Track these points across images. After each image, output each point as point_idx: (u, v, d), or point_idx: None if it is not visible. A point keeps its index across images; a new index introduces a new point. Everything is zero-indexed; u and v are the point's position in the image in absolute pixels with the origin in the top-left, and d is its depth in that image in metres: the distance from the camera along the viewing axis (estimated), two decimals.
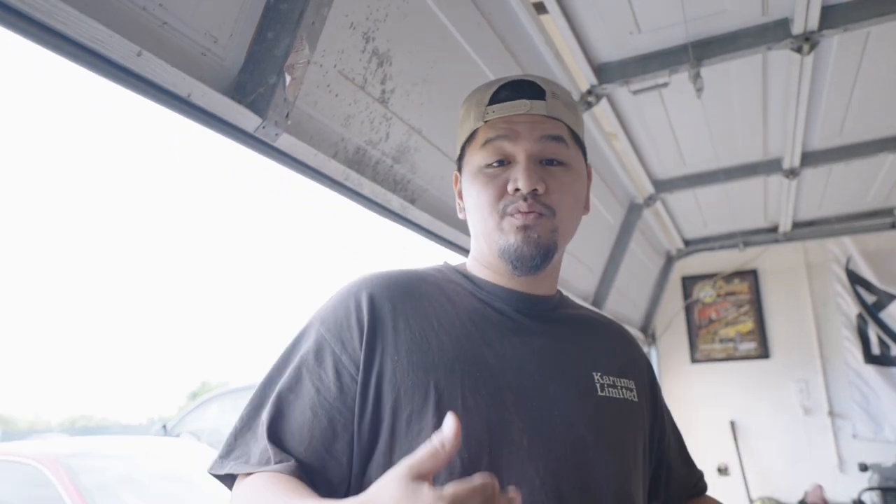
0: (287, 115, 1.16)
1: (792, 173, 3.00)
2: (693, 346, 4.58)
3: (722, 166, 3.05)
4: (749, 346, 4.45)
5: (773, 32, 1.98)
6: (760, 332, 4.43)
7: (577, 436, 0.87)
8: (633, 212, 3.28)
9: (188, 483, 4.38)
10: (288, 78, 1.12)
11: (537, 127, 0.92)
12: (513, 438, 0.83)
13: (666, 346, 4.63)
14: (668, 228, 3.89)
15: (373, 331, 0.86)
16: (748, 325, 4.48)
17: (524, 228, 0.90)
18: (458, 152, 1.01)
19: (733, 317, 4.52)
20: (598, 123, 2.46)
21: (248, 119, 1.11)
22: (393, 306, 0.89)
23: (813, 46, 2.00)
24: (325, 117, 1.32)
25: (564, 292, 1.10)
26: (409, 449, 0.78)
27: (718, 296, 4.57)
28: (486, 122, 0.94)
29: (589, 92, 2.20)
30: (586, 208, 1.02)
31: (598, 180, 2.80)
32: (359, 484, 0.84)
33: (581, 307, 1.09)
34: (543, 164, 0.92)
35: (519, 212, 0.90)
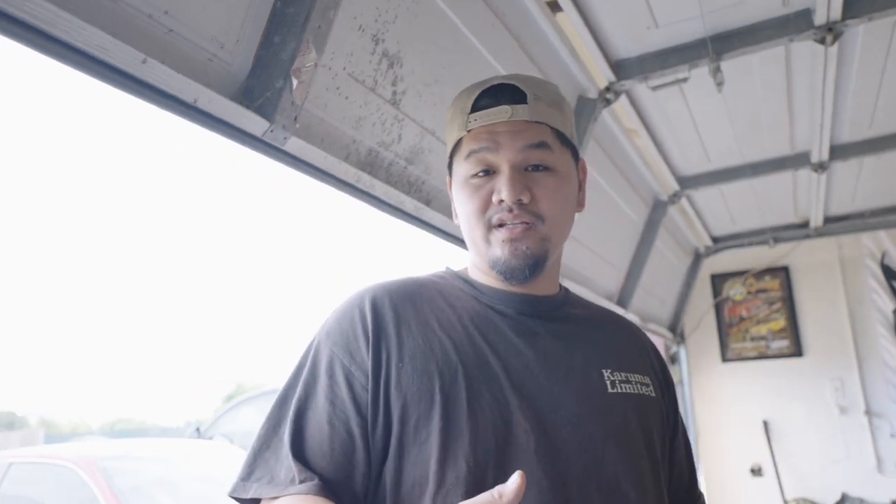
0: (295, 119, 1.17)
1: (821, 167, 2.94)
2: (724, 345, 4.51)
3: (748, 161, 3.00)
4: (782, 344, 4.37)
5: (794, 24, 1.94)
6: (793, 330, 4.34)
7: (585, 434, 0.86)
8: (658, 209, 3.24)
9: (220, 484, 4.43)
10: (295, 82, 1.13)
11: (519, 135, 0.91)
12: (519, 441, 0.82)
13: (696, 346, 4.56)
14: (694, 225, 3.84)
15: (377, 339, 0.87)
16: (780, 322, 4.39)
17: (511, 241, 0.90)
18: (447, 159, 1.01)
19: (765, 314, 4.43)
20: (617, 120, 2.44)
21: (255, 123, 1.12)
22: (395, 314, 0.90)
23: (837, 37, 1.95)
24: (336, 120, 1.32)
25: (586, 291, 1.10)
26: (418, 454, 0.82)
27: (749, 293, 4.49)
28: (468, 131, 0.93)
29: (607, 89, 2.18)
30: (581, 205, 1.02)
31: (620, 178, 2.77)
32: (374, 490, 0.85)
33: (589, 305, 1.09)
34: (529, 170, 0.91)
35: (504, 223, 0.90)
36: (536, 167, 0.91)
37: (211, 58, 1.07)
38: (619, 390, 0.93)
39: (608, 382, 0.92)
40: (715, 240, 4.27)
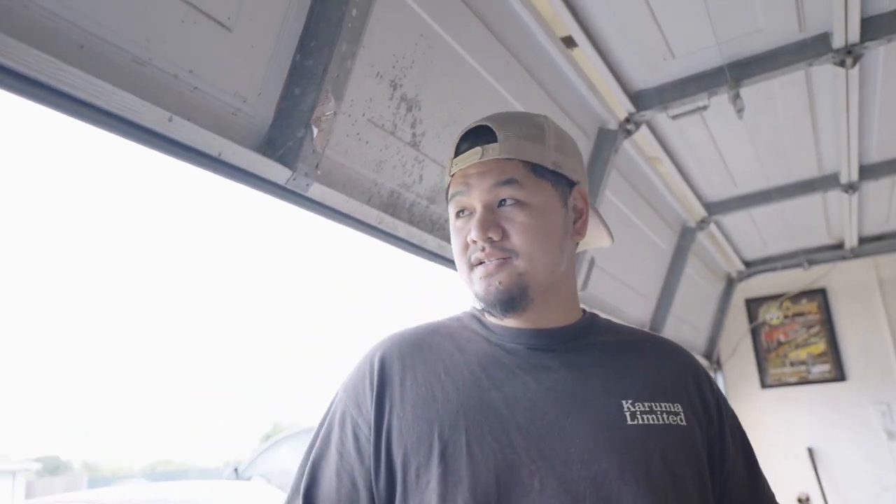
0: (317, 166, 1.20)
1: (851, 188, 2.90)
2: (762, 371, 4.41)
3: (775, 185, 2.98)
4: (823, 368, 4.26)
5: (812, 48, 1.94)
6: (834, 354, 4.24)
7: (598, 471, 0.84)
8: (686, 236, 3.22)
9: None
10: (315, 130, 1.17)
11: (487, 175, 0.93)
12: (523, 481, 0.83)
13: (733, 372, 4.47)
14: (725, 251, 3.80)
15: (381, 391, 0.92)
16: (820, 346, 4.29)
17: (486, 278, 0.92)
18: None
19: (803, 338, 4.34)
20: (639, 150, 2.45)
21: (278, 172, 1.15)
22: (402, 364, 0.94)
23: (857, 59, 1.95)
24: (357, 164, 1.36)
25: (610, 318, 1.08)
26: (420, 502, 0.84)
27: (786, 317, 4.40)
28: (451, 176, 0.98)
29: (627, 120, 2.20)
30: (578, 234, 1.00)
31: (645, 206, 2.77)
32: None
33: (622, 330, 1.06)
34: (504, 205, 0.93)
35: (481, 261, 0.93)
36: (509, 203, 0.93)
37: (235, 112, 1.11)
38: (641, 422, 0.89)
39: (627, 414, 0.90)
40: (747, 264, 4.22)
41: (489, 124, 0.96)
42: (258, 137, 1.15)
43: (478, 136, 0.96)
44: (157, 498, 4.62)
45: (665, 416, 0.91)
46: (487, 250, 0.92)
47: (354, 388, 0.94)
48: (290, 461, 6.72)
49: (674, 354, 1.03)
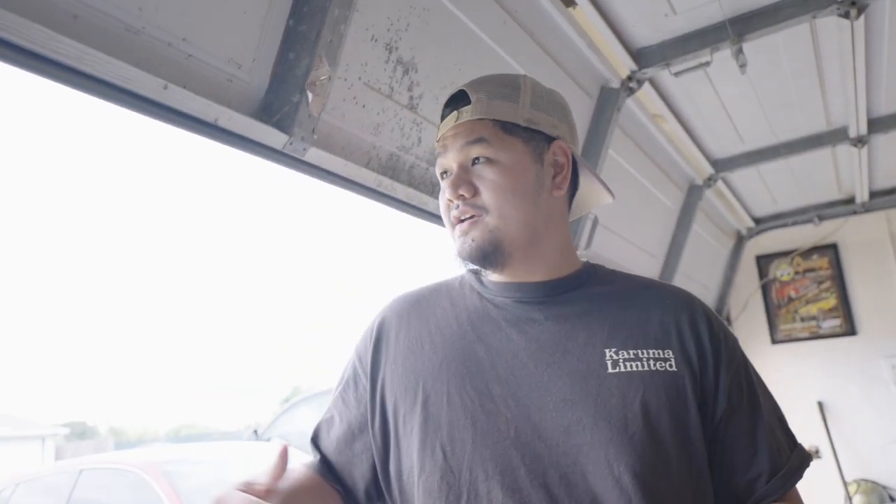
0: (313, 130, 1.22)
1: (860, 141, 2.88)
2: (773, 327, 4.43)
3: (783, 140, 2.96)
4: (833, 323, 4.27)
5: (816, 0, 1.92)
6: (845, 309, 4.24)
7: (572, 419, 0.87)
8: (694, 193, 3.21)
9: None
10: (310, 95, 1.19)
11: (460, 136, 0.98)
12: (499, 428, 0.88)
13: (743, 328, 4.49)
14: (734, 208, 3.79)
15: (377, 345, 1.03)
16: (830, 301, 4.29)
17: (462, 235, 0.97)
18: None
19: (814, 294, 4.34)
20: (643, 108, 2.44)
21: (275, 137, 1.18)
22: (399, 321, 1.03)
23: (861, 10, 1.92)
24: (354, 128, 1.38)
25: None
26: (407, 446, 0.93)
27: (797, 273, 4.40)
28: (437, 141, 1.03)
29: (629, 78, 2.19)
30: (559, 188, 1.01)
31: (650, 165, 2.77)
32: (386, 480, 0.98)
33: (624, 278, 1.05)
34: (477, 165, 0.97)
35: (459, 219, 0.97)
36: (480, 161, 0.97)
37: (230, 78, 1.13)
38: (623, 369, 0.91)
39: (609, 362, 0.91)
40: (757, 221, 4.20)
41: (465, 88, 1.01)
42: (254, 103, 1.17)
43: (457, 101, 1.01)
44: (181, 458, 4.77)
45: (652, 362, 0.92)
46: (461, 207, 0.96)
47: (360, 343, 1.06)
48: (308, 422, 6.86)
49: (670, 300, 1.00)
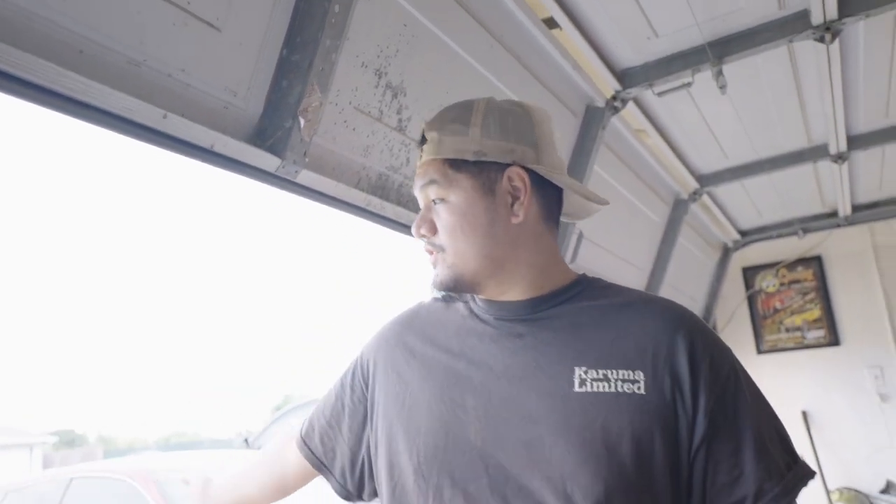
0: (305, 154, 1.28)
1: (840, 158, 2.95)
2: (758, 337, 4.50)
3: (765, 156, 3.03)
4: (818, 333, 4.35)
5: (792, 25, 1.99)
6: (829, 319, 4.32)
7: (534, 435, 0.89)
8: (679, 207, 3.28)
9: None
10: (302, 121, 1.24)
11: (419, 178, 1.04)
12: (469, 439, 0.94)
13: (729, 339, 4.53)
14: (720, 221, 3.86)
15: (374, 355, 1.13)
16: (815, 312, 4.37)
17: (432, 266, 1.03)
18: None
19: (799, 305, 4.42)
20: (628, 126, 2.50)
21: (268, 160, 1.23)
22: (401, 336, 1.11)
23: (836, 34, 1.99)
24: (345, 150, 1.43)
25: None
26: (394, 448, 1.01)
27: (782, 284, 4.48)
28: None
29: (614, 98, 2.25)
30: (516, 215, 0.99)
31: (636, 181, 2.83)
32: (377, 475, 1.07)
33: (615, 293, 1.03)
34: (436, 204, 1.02)
35: (427, 251, 1.04)
36: (436, 201, 1.02)
37: (226, 105, 1.18)
38: (589, 389, 0.90)
39: (577, 381, 0.91)
40: (743, 233, 4.28)
41: (424, 126, 1.04)
42: (248, 129, 1.23)
43: (424, 138, 1.05)
44: (169, 467, 4.78)
45: (620, 383, 0.90)
46: (425, 245, 1.03)
47: (366, 346, 1.17)
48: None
49: (654, 319, 0.96)
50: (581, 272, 1.09)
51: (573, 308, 1.00)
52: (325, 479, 1.17)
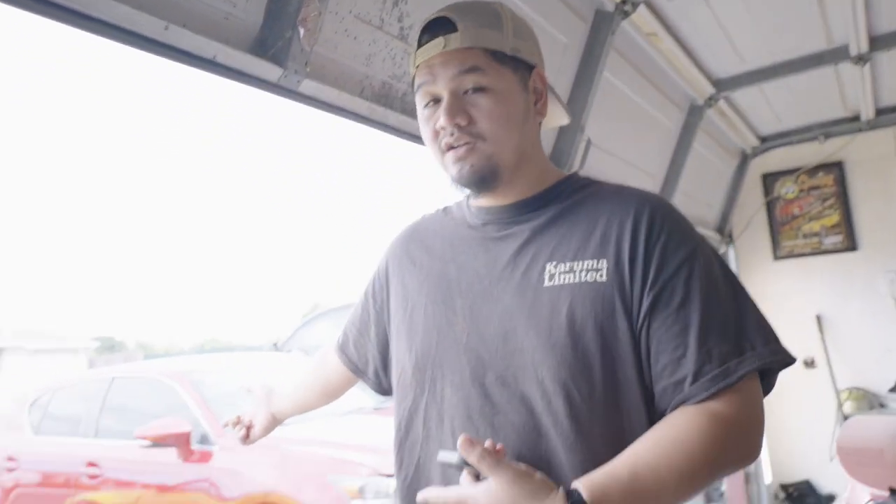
0: (306, 63, 1.32)
1: (861, 59, 2.88)
2: (776, 244, 4.52)
3: (783, 59, 2.97)
4: (835, 239, 4.35)
5: None
6: (847, 225, 4.31)
7: (509, 328, 0.99)
8: (694, 113, 3.25)
9: None
10: (302, 31, 1.28)
11: (451, 64, 1.00)
12: (456, 336, 1.04)
13: (746, 245, 4.58)
14: (737, 127, 3.82)
15: (387, 265, 1.24)
16: (834, 217, 4.36)
17: (458, 161, 1.01)
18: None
19: (818, 211, 4.40)
20: (639, 30, 2.47)
21: (270, 71, 1.28)
22: (406, 246, 1.22)
23: None
24: (347, 59, 1.47)
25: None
26: (397, 347, 1.15)
27: (801, 191, 4.45)
28: (416, 67, 1.05)
29: (623, 0, 2.22)
30: (540, 113, 1.08)
31: (648, 87, 2.81)
32: (388, 371, 1.25)
33: (594, 188, 1.08)
34: (469, 93, 1.00)
35: (452, 146, 1.01)
36: (474, 90, 0.99)
37: (226, 16, 1.22)
38: (557, 282, 0.97)
39: (547, 276, 0.98)
40: (762, 139, 4.23)
41: (448, 15, 1.01)
42: (249, 39, 1.27)
43: (438, 27, 1.02)
44: (206, 367, 5.05)
45: (584, 273, 0.96)
46: (456, 135, 0.99)
47: (383, 257, 1.27)
48: (326, 336, 7.13)
49: (621, 206, 1.00)
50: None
51: (554, 207, 1.05)
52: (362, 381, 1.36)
